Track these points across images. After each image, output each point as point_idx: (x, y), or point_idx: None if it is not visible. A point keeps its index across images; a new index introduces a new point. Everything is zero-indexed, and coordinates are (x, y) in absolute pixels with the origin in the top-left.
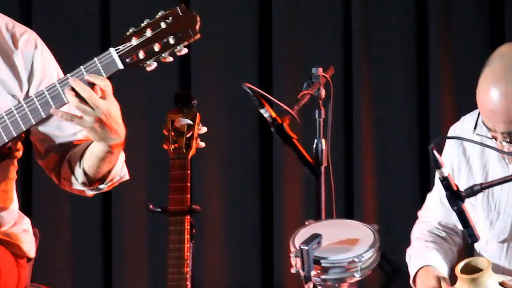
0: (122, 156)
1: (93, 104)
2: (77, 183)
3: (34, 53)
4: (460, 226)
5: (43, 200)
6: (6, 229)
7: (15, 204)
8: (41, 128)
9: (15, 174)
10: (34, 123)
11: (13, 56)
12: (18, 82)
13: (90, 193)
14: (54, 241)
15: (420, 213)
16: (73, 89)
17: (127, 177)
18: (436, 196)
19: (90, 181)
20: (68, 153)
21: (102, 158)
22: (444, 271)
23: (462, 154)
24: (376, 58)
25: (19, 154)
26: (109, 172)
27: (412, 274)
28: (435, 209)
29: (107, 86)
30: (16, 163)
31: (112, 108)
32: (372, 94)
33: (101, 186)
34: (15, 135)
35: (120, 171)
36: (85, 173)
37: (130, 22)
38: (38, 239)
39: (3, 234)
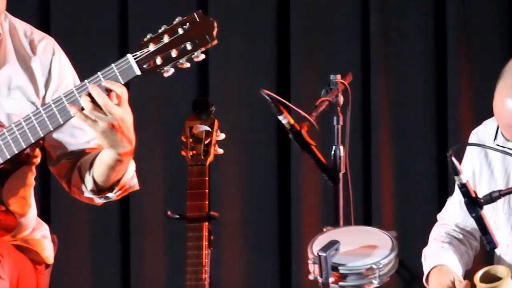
0: (132, 166)
1: (107, 110)
2: (86, 191)
3: (52, 59)
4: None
5: (62, 206)
6: (25, 235)
7: (33, 210)
8: (55, 135)
9: (33, 181)
10: (51, 129)
11: (31, 62)
12: (35, 88)
13: (98, 201)
14: (72, 247)
15: (439, 216)
16: (89, 95)
17: (137, 187)
18: (456, 199)
19: (99, 189)
20: (79, 160)
21: (111, 166)
22: (458, 272)
23: (484, 158)
24: (394, 65)
25: (37, 160)
26: (118, 181)
27: (425, 272)
28: (453, 212)
29: (124, 93)
30: (34, 169)
31: (125, 116)
32: (390, 100)
33: (110, 195)
34: (33, 141)
35: (130, 181)
36: (94, 181)
37: (148, 28)
38: (56, 245)
39: (21, 240)
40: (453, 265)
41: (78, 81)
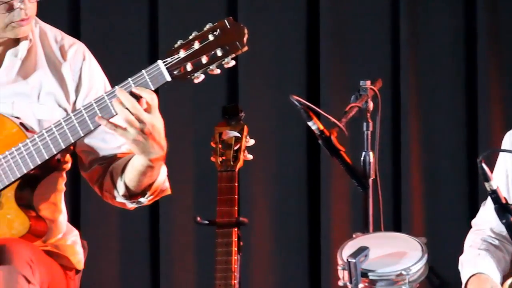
0: (164, 170)
1: (136, 115)
2: (119, 196)
3: (82, 64)
4: None
5: (92, 212)
6: (55, 240)
7: (64, 216)
8: (87, 140)
9: (64, 186)
10: (82, 135)
11: (62, 68)
12: (65, 94)
13: (130, 205)
14: (102, 253)
15: (473, 222)
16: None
17: (169, 191)
18: (490, 204)
19: (131, 194)
20: (111, 165)
21: (143, 172)
22: (496, 279)
23: None
24: (424, 71)
25: (68, 166)
26: (150, 185)
27: (464, 281)
28: (488, 217)
29: (154, 99)
30: (64, 175)
31: (156, 122)
32: (420, 106)
33: (142, 200)
34: (63, 147)
35: (162, 185)
36: (126, 186)
37: (178, 35)
38: (86, 251)
39: (52, 246)
40: (491, 272)
41: (109, 86)
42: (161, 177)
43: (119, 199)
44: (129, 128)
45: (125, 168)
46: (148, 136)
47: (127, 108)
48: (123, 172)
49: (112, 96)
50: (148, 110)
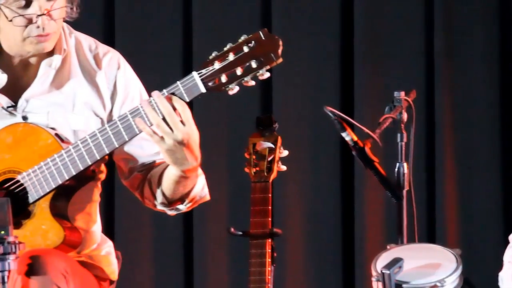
0: (202, 177)
1: (172, 123)
2: (158, 204)
3: (117, 73)
4: None
5: (126, 223)
6: (89, 251)
7: (98, 226)
8: (125, 148)
9: (99, 197)
10: (117, 146)
11: (97, 77)
12: (102, 103)
13: (170, 213)
14: (136, 263)
15: (511, 237)
16: (154, 110)
17: (207, 197)
18: None
19: (169, 201)
20: (149, 173)
21: (177, 181)
22: None
23: None
24: (458, 82)
25: (102, 176)
26: (188, 193)
27: None
28: None
29: (186, 111)
30: (99, 185)
31: (191, 133)
32: (454, 117)
33: (180, 207)
34: (98, 158)
35: (200, 192)
36: (164, 194)
37: (213, 46)
38: (120, 261)
39: (86, 257)
40: None
41: (145, 93)
42: (199, 184)
43: (159, 206)
44: (165, 137)
45: (161, 177)
46: (182, 147)
47: (162, 117)
48: (160, 181)
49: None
50: (182, 121)
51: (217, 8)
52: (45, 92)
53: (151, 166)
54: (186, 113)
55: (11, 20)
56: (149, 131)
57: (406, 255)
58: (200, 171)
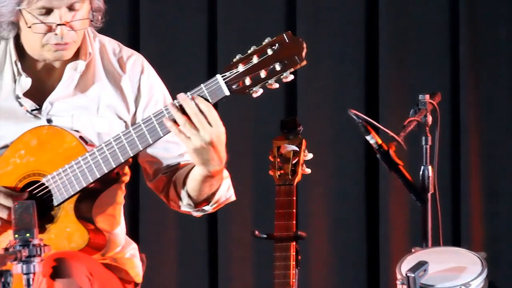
0: (227, 178)
1: (199, 124)
2: (183, 205)
3: (141, 76)
4: None
5: (150, 225)
6: (114, 254)
7: (122, 229)
8: (149, 150)
9: (123, 199)
10: (141, 149)
11: (121, 80)
12: (126, 106)
13: (195, 214)
14: (160, 266)
15: None
16: (182, 110)
17: (233, 198)
18: None
19: (195, 203)
20: (174, 175)
21: (202, 182)
22: None
23: None
24: (483, 84)
25: (127, 179)
26: (213, 194)
27: None
28: None
29: (211, 112)
30: (123, 188)
31: (219, 134)
32: (480, 120)
33: (206, 208)
34: (122, 160)
35: (225, 193)
36: (189, 196)
37: (237, 49)
38: (145, 264)
39: (110, 259)
40: None
41: (168, 97)
42: (225, 185)
43: (184, 208)
44: (192, 137)
45: (186, 178)
46: (210, 147)
47: (190, 120)
48: (185, 182)
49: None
50: (209, 122)
51: (242, 11)
52: (70, 95)
53: (176, 168)
54: (212, 113)
55: (30, 26)
56: (176, 131)
57: (431, 258)
58: (225, 172)
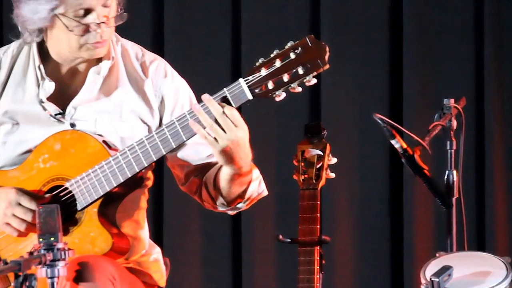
0: (256, 172)
1: (224, 125)
2: (217, 204)
3: (164, 81)
4: None
5: (174, 229)
6: (137, 258)
7: (146, 233)
8: (179, 154)
9: (146, 204)
10: (164, 153)
11: (144, 85)
12: (150, 110)
13: (230, 212)
14: (184, 270)
15: None
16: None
17: (266, 192)
18: None
19: (228, 201)
20: (205, 175)
21: (232, 180)
22: None
23: None
24: (508, 89)
25: (150, 183)
26: (244, 191)
27: None
28: None
29: (234, 114)
30: (146, 192)
31: (244, 134)
32: (505, 124)
33: (240, 205)
34: (145, 165)
35: (257, 188)
36: (221, 195)
37: (260, 53)
38: (168, 268)
39: (134, 263)
40: None
41: (194, 98)
42: (255, 181)
43: (219, 207)
44: (219, 139)
45: (216, 178)
46: (236, 147)
47: (216, 122)
48: (215, 182)
49: (193, 114)
50: (233, 123)
51: (266, 14)
52: (93, 100)
53: (206, 169)
54: (235, 115)
55: (72, 30)
56: (203, 133)
57: (456, 263)
58: (255, 168)
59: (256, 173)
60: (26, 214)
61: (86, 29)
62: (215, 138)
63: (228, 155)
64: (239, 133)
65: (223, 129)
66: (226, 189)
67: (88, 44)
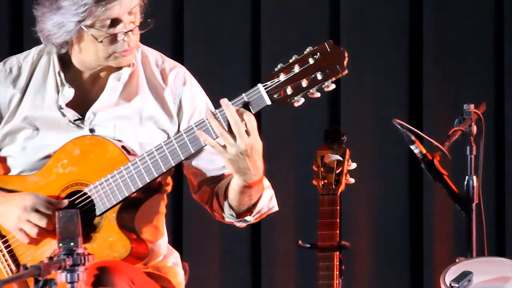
0: (269, 188)
1: (237, 133)
2: (226, 216)
3: (183, 89)
4: None
5: (193, 234)
6: (156, 263)
7: (165, 238)
8: (194, 162)
9: (165, 209)
10: (183, 158)
11: (164, 92)
12: (168, 117)
13: (238, 224)
14: (203, 275)
15: None
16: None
17: (276, 208)
18: None
19: (236, 213)
20: (217, 185)
21: (241, 192)
22: None
23: None
24: None
25: (169, 188)
26: (254, 204)
27: None
28: None
29: (252, 121)
30: (165, 197)
31: (254, 143)
32: None
33: (248, 218)
34: (164, 170)
35: (267, 203)
36: (230, 206)
37: (279, 58)
38: (187, 273)
39: (153, 268)
40: None
41: (211, 107)
42: (266, 196)
43: (227, 219)
44: (228, 146)
45: (227, 189)
46: (245, 157)
47: (227, 126)
48: (226, 193)
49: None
50: (247, 131)
51: (285, 20)
52: (112, 105)
53: (219, 179)
54: (252, 123)
55: (101, 41)
56: (211, 142)
57: (476, 268)
58: (267, 182)
59: (268, 188)
60: (41, 220)
61: (114, 39)
62: (224, 146)
63: (237, 164)
64: (250, 141)
65: (234, 137)
66: (236, 201)
67: (116, 53)
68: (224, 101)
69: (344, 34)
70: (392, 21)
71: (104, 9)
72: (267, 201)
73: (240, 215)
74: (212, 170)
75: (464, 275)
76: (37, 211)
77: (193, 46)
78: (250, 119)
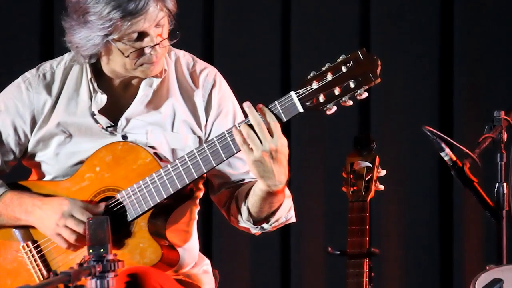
0: (289, 199)
1: (260, 134)
2: (242, 220)
3: (212, 89)
4: None
5: (223, 241)
6: (187, 270)
7: (196, 245)
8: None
9: (196, 215)
10: (214, 165)
11: (194, 95)
12: (199, 121)
13: (254, 231)
14: (233, 282)
15: None
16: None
17: (293, 219)
18: None
19: (254, 219)
20: (237, 190)
21: (263, 198)
22: None
23: None
24: None
25: (200, 194)
26: (273, 212)
27: None
28: None
29: (276, 125)
30: (197, 203)
31: (279, 146)
32: None
33: (265, 226)
34: (196, 177)
35: (286, 213)
36: (249, 211)
37: (311, 66)
38: (218, 280)
39: (184, 275)
40: None
41: (239, 109)
42: (286, 205)
43: (243, 224)
44: (254, 148)
45: (248, 193)
46: (270, 160)
47: (254, 132)
48: (247, 197)
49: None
50: (269, 131)
51: (316, 27)
52: (145, 112)
53: (239, 184)
54: (274, 124)
55: (127, 56)
56: (240, 140)
57: (506, 276)
58: (287, 192)
59: (288, 199)
60: (78, 225)
61: (141, 53)
62: (251, 148)
63: (261, 167)
64: (274, 143)
65: (260, 139)
66: (256, 207)
67: (144, 66)
68: (246, 104)
69: (375, 42)
70: (422, 28)
71: (130, 23)
72: (286, 211)
73: (257, 222)
74: (233, 175)
75: (495, 283)
76: (74, 216)
77: (223, 53)
78: (274, 123)
